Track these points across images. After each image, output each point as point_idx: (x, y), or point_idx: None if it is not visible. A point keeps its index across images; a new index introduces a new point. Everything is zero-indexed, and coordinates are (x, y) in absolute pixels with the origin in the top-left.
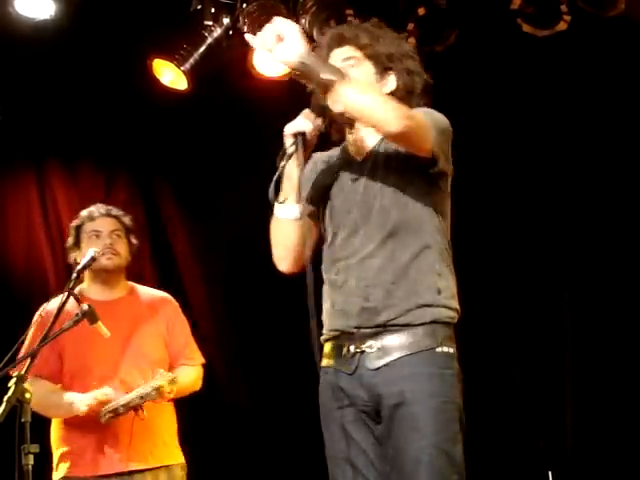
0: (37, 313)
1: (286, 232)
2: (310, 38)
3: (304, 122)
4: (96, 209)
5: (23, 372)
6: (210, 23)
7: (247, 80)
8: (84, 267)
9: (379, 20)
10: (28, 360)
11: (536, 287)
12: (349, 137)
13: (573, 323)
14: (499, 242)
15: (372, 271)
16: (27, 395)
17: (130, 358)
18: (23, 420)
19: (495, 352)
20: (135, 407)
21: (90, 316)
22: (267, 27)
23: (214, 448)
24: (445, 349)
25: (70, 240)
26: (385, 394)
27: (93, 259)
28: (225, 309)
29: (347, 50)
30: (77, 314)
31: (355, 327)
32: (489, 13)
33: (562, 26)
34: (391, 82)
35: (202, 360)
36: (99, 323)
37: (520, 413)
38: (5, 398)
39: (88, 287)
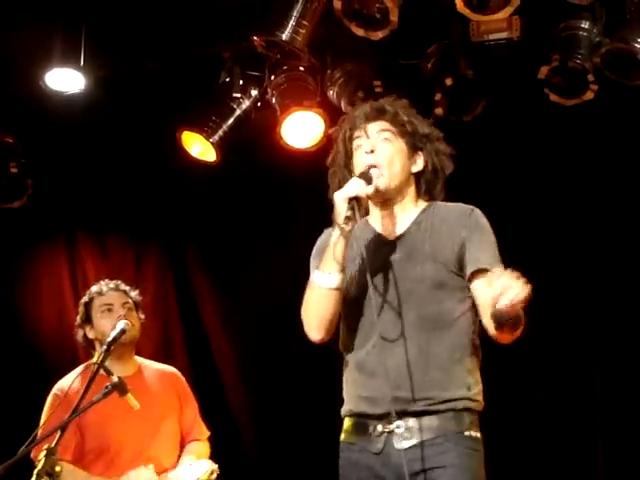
0: (52, 393)
1: (325, 301)
2: (338, 109)
3: (357, 187)
4: (104, 284)
5: (53, 445)
6: (238, 95)
7: (275, 152)
8: (114, 340)
9: (409, 102)
10: (58, 433)
11: (567, 357)
12: (377, 214)
13: (604, 395)
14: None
15: (406, 361)
16: (57, 468)
17: (153, 434)
18: None
19: (526, 420)
20: None
21: (120, 388)
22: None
23: None
24: (472, 433)
25: (79, 317)
26: (413, 473)
27: (123, 331)
28: (256, 383)
29: (383, 124)
30: (107, 386)
31: (383, 412)
32: (516, 83)
33: (589, 95)
34: (420, 162)
35: (208, 433)
36: (129, 395)
37: None
38: (35, 471)
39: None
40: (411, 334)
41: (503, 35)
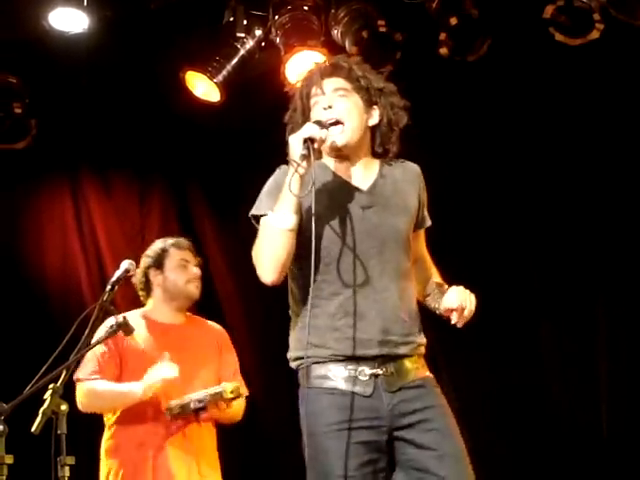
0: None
1: (280, 242)
2: (342, 49)
3: (311, 130)
4: (182, 240)
5: (59, 384)
6: (242, 35)
7: (279, 91)
8: (118, 280)
9: (362, 59)
10: (64, 372)
11: (571, 290)
12: (339, 164)
13: (608, 329)
14: (532, 252)
15: (390, 306)
16: (63, 407)
17: (190, 378)
18: (59, 432)
19: (529, 358)
20: (202, 407)
21: (125, 328)
22: None
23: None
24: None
25: (150, 259)
26: (406, 412)
27: (127, 271)
28: (258, 316)
29: (338, 81)
30: (112, 326)
31: (374, 355)
32: (521, 23)
33: (595, 35)
34: (375, 116)
35: (246, 392)
36: (133, 335)
37: (556, 420)
38: (41, 410)
39: (154, 309)
40: (392, 280)
41: None
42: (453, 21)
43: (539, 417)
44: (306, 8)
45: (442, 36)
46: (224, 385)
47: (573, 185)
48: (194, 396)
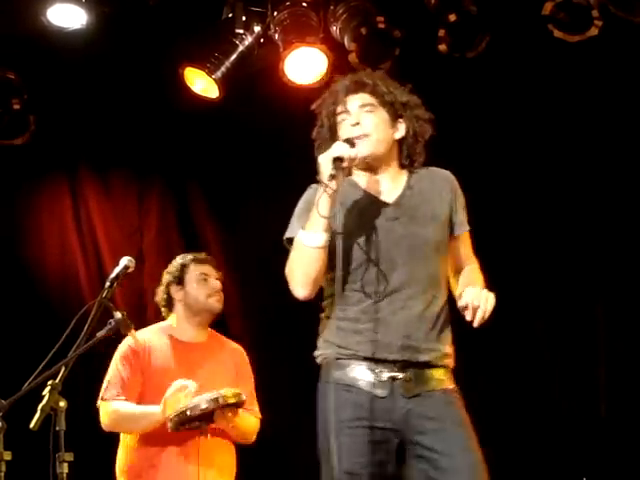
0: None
1: (312, 259)
2: (341, 45)
3: (340, 149)
4: (202, 255)
5: (57, 381)
6: (241, 31)
7: (278, 88)
8: (117, 276)
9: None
10: (62, 368)
11: (569, 296)
12: (366, 179)
13: (606, 334)
14: (531, 251)
15: (414, 313)
16: (61, 404)
17: None
18: (57, 428)
19: (527, 349)
20: (200, 416)
21: (124, 325)
22: None
23: None
24: (457, 389)
25: (171, 276)
26: (421, 419)
27: (127, 268)
28: (261, 326)
29: (364, 97)
30: (110, 322)
31: (394, 359)
32: (520, 19)
33: (593, 31)
34: (401, 129)
35: (259, 415)
36: (132, 331)
37: (555, 423)
38: (40, 407)
39: (178, 326)
40: (419, 289)
41: None
42: (452, 17)
43: (537, 400)
44: (305, 4)
45: (441, 32)
46: (224, 390)
47: (572, 184)
48: (190, 404)
